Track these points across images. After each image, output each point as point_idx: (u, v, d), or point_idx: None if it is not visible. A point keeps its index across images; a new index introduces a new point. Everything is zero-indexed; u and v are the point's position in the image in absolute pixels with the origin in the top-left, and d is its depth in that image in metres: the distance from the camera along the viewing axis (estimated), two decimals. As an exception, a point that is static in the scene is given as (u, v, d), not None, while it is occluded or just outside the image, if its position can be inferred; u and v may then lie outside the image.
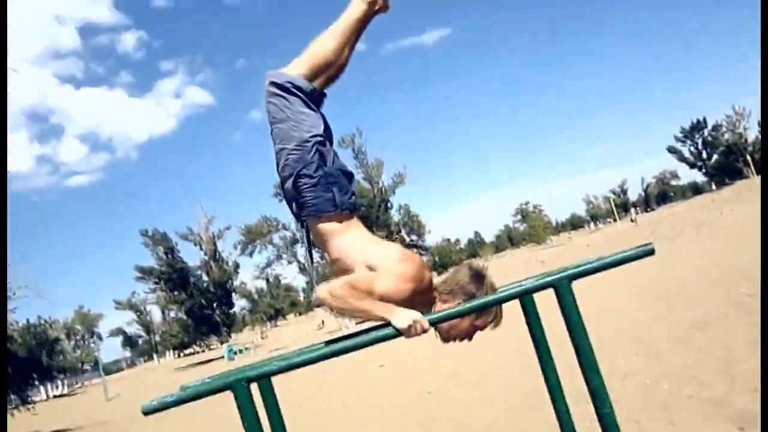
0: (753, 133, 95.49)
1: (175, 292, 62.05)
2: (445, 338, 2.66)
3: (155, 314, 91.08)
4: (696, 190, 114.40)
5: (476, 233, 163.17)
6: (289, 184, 2.76)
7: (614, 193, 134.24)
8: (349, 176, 2.84)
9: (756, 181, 72.24)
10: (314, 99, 2.90)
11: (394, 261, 2.59)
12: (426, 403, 9.66)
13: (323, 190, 2.70)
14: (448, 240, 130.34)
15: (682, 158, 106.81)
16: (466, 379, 10.60)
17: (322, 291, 2.53)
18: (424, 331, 2.38)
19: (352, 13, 2.97)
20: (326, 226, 2.73)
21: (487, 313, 2.57)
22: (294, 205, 2.81)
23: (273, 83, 2.87)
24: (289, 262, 64.01)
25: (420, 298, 2.52)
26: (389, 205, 63.27)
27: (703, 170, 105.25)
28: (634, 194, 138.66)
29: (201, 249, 63.91)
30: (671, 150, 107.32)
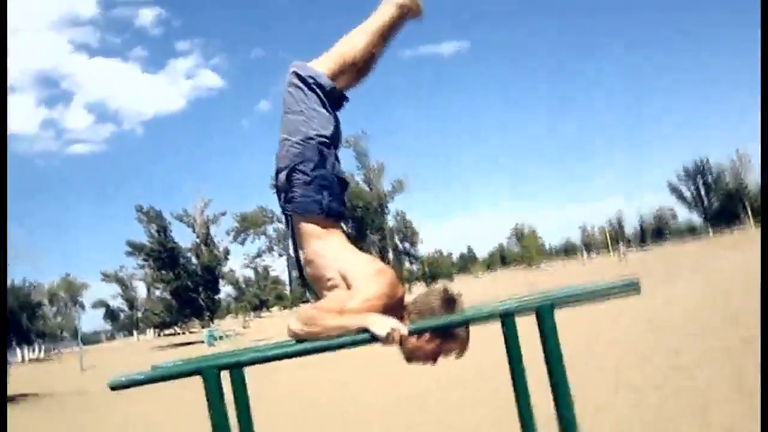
0: (754, 180, 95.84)
1: (163, 271, 62.02)
2: (409, 357, 2.58)
3: (140, 291, 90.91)
4: (692, 231, 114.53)
5: (469, 248, 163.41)
6: (283, 175, 2.75)
7: (610, 224, 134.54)
8: (344, 184, 2.83)
9: (754, 230, 72.31)
10: (333, 99, 2.89)
11: (367, 274, 2.57)
12: (412, 402, 9.69)
13: (314, 190, 2.70)
14: (441, 252, 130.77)
15: (681, 198, 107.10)
16: (450, 381, 10.62)
17: (294, 323, 2.48)
18: (402, 339, 2.35)
19: (383, 15, 2.96)
20: (308, 227, 2.72)
21: (455, 340, 2.52)
22: (282, 197, 2.80)
23: (296, 74, 2.87)
24: (280, 255, 64.10)
25: (389, 314, 2.46)
26: (386, 210, 63.31)
27: (702, 213, 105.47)
28: (630, 227, 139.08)
29: (194, 231, 63.90)
30: (672, 188, 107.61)
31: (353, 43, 2.93)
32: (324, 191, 2.71)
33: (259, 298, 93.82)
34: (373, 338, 2.35)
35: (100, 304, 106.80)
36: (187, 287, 61.78)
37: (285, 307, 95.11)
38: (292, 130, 2.79)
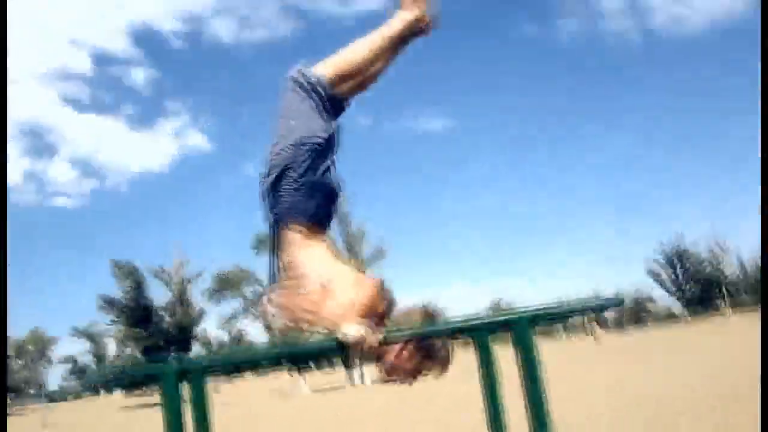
0: (732, 268, 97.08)
1: (135, 329, 60.96)
2: (388, 373, 2.49)
3: (111, 348, 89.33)
4: (670, 316, 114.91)
5: (445, 321, 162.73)
6: (271, 178, 2.65)
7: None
8: (333, 193, 2.73)
9: (732, 317, 72.69)
10: (331, 105, 2.81)
11: (348, 283, 2.50)
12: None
13: (302, 196, 2.61)
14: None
15: (660, 282, 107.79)
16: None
17: (269, 301, 2.45)
18: (371, 349, 2.27)
19: (391, 28, 2.92)
20: (292, 235, 2.62)
21: (435, 358, 2.46)
22: (268, 201, 2.70)
23: (295, 78, 2.80)
24: (256, 317, 63.31)
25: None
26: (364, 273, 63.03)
27: (680, 298, 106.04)
28: (608, 311, 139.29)
29: (170, 289, 63.13)
30: (650, 272, 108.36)
31: (357, 51, 2.88)
32: (312, 198, 2.63)
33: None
34: (341, 347, 2.24)
35: (68, 359, 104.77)
36: (159, 346, 60.66)
37: (258, 374, 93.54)
38: (285, 133, 2.71)
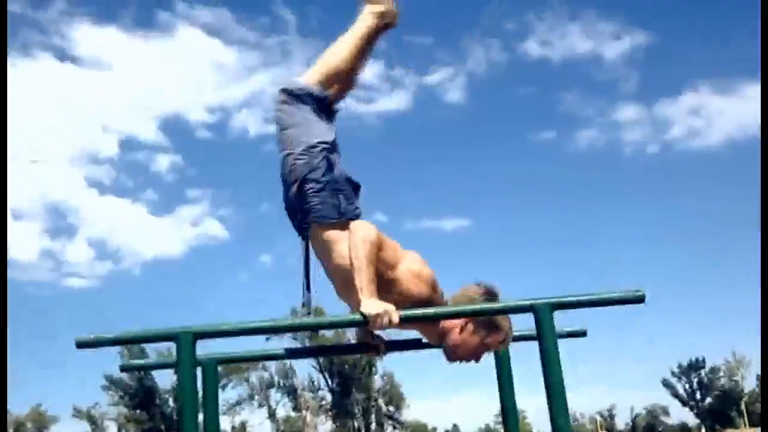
0: (751, 383, 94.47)
1: (137, 411, 59.92)
2: (451, 357, 2.54)
3: (111, 431, 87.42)
4: (684, 430, 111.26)
5: (455, 426, 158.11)
6: (294, 189, 2.69)
7: (601, 415, 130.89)
8: (356, 186, 2.77)
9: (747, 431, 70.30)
10: (327, 109, 2.90)
11: (413, 259, 2.57)
12: None
13: (329, 195, 2.64)
14: (425, 425, 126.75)
15: (675, 394, 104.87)
16: None
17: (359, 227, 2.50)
18: (391, 324, 2.28)
19: (362, 26, 3.01)
20: (330, 233, 2.63)
21: (498, 331, 2.47)
22: (297, 212, 2.73)
23: (283, 90, 2.88)
24: (260, 405, 62.13)
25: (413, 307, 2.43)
26: (374, 370, 62.13)
27: (695, 411, 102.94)
28: (621, 421, 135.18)
29: (175, 373, 62.29)
30: (665, 384, 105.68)
31: (338, 52, 2.95)
32: (339, 195, 2.65)
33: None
34: (361, 320, 2.29)
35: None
36: (160, 431, 59.39)
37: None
38: (292, 144, 2.75)
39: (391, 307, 2.27)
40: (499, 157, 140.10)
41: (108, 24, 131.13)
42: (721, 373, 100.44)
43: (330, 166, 2.68)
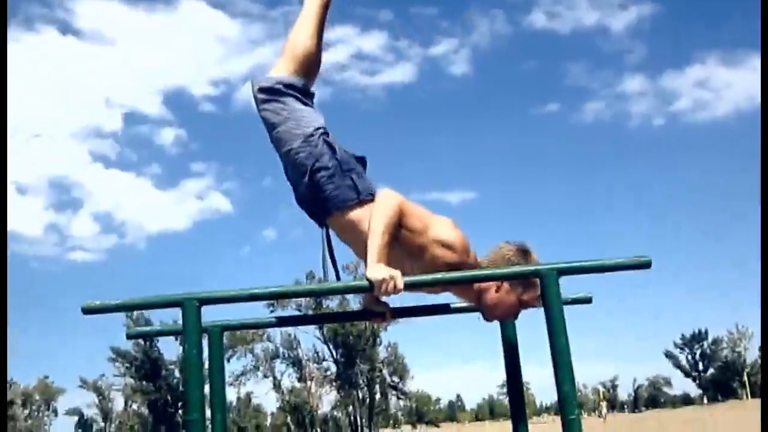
0: (753, 355, 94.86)
1: (144, 382, 60.52)
2: (490, 317, 2.56)
3: (118, 402, 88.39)
4: (686, 401, 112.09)
5: (458, 396, 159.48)
6: (305, 182, 2.66)
7: (604, 386, 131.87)
8: (363, 161, 2.76)
9: (750, 403, 70.69)
10: (308, 94, 2.87)
11: (442, 225, 2.53)
12: None
13: (341, 178, 2.62)
14: (429, 396, 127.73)
15: (677, 365, 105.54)
16: None
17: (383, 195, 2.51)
18: (396, 290, 2.28)
19: (315, 1, 2.96)
20: (353, 214, 2.60)
21: (534, 288, 2.41)
22: (315, 204, 2.70)
23: (262, 89, 2.84)
24: (265, 376, 62.67)
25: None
26: (378, 341, 62.49)
27: (697, 382, 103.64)
28: (624, 392, 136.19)
29: (181, 345, 62.65)
30: (668, 355, 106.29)
31: (299, 34, 2.92)
32: (351, 174, 2.63)
33: (237, 425, 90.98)
34: (365, 286, 2.28)
35: (74, 412, 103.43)
36: (167, 402, 60.04)
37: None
38: (289, 139, 2.72)
39: (396, 273, 2.26)
40: (505, 130, 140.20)
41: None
42: (724, 345, 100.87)
43: (333, 149, 2.66)
